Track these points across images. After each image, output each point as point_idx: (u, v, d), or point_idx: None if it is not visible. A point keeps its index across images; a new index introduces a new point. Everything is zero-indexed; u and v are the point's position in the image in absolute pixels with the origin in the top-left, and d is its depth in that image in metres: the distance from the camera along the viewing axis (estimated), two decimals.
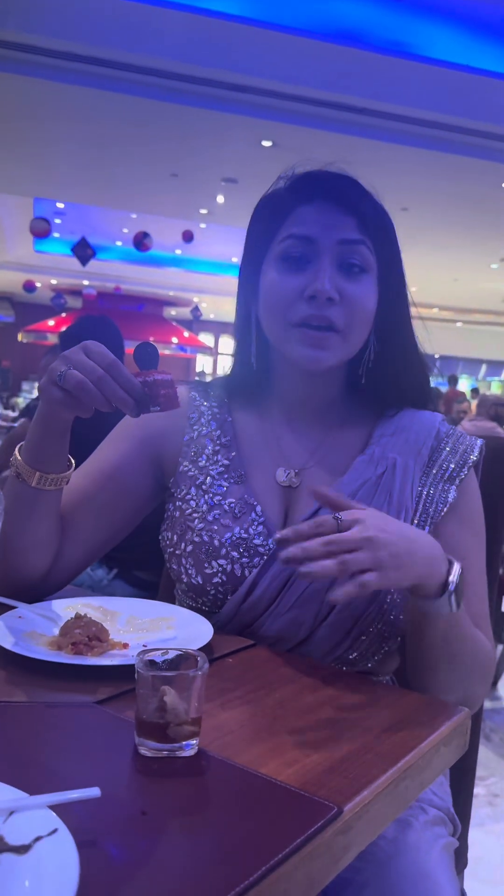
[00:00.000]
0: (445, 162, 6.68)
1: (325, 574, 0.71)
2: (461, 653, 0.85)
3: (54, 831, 0.44)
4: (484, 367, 19.47)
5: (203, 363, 21.08)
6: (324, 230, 0.90)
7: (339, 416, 1.00)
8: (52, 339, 14.80)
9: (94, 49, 5.50)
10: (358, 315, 0.91)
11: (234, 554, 0.92)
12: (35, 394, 10.95)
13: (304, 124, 6.03)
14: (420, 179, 7.21)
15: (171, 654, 0.63)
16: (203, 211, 9.68)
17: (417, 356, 0.99)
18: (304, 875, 0.49)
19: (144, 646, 0.80)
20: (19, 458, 0.89)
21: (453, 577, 0.79)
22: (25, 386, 15.51)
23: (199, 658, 0.62)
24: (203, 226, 10.84)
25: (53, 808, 0.47)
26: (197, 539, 0.94)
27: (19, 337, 17.30)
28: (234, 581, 0.92)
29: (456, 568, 0.80)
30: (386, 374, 0.97)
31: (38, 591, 0.96)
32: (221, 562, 0.92)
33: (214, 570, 0.92)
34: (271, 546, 0.91)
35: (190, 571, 0.94)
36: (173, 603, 1.03)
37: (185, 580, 0.95)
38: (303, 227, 0.90)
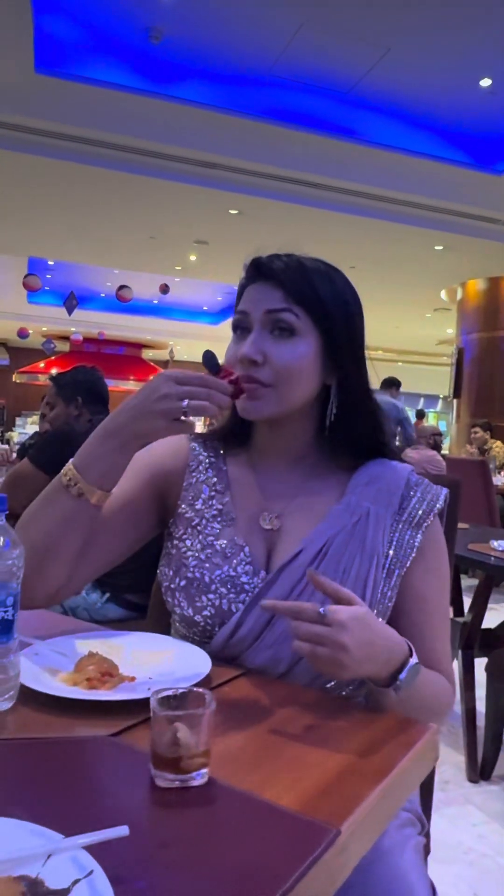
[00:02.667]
0: (387, 228, 6.88)
1: (299, 652, 0.73)
2: (419, 708, 0.82)
3: (90, 873, 0.43)
4: (422, 400, 19.79)
5: None
6: (255, 304, 0.92)
7: (316, 466, 0.99)
8: (43, 380, 14.63)
9: (84, 130, 5.56)
10: (283, 372, 0.90)
11: (223, 590, 0.91)
12: (28, 431, 10.63)
13: (266, 196, 6.15)
14: (365, 243, 7.38)
15: (182, 692, 0.62)
16: (178, 267, 9.74)
17: (374, 416, 0.98)
18: None
19: (150, 678, 0.79)
20: (81, 478, 0.86)
21: (403, 676, 0.78)
22: (19, 422, 15.29)
23: (206, 696, 0.61)
24: (177, 279, 10.90)
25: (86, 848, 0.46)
26: (190, 575, 0.93)
27: (14, 378, 17.10)
28: (221, 615, 0.91)
29: (412, 661, 0.79)
30: (346, 434, 0.97)
31: (50, 601, 0.92)
32: (211, 596, 0.91)
33: (204, 604, 0.91)
34: (257, 584, 0.91)
35: (182, 604, 0.93)
36: (162, 624, 1.02)
37: (178, 612, 0.94)
38: (243, 304, 0.95)
